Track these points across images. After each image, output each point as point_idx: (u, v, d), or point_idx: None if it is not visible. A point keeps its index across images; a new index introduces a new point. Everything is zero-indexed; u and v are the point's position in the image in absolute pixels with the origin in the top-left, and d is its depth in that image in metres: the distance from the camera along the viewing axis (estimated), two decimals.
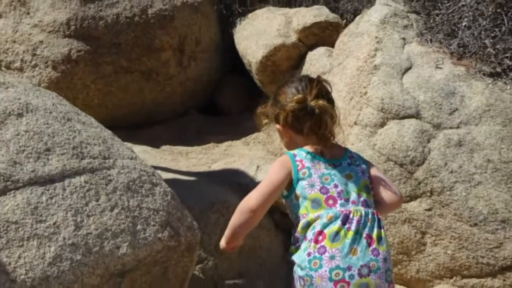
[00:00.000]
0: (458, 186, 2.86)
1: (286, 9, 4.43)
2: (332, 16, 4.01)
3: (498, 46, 3.15)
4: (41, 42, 4.01)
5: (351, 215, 1.71)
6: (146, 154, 3.75)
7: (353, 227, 1.69)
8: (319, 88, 1.81)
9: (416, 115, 3.00)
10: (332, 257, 1.65)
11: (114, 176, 2.14)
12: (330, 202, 1.74)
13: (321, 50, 3.92)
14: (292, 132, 1.86)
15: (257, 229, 2.79)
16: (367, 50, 3.28)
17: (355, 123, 3.10)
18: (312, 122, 1.79)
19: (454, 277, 2.90)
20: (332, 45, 3.86)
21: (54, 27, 3.98)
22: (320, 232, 1.69)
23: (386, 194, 1.87)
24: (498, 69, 3.13)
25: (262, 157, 3.80)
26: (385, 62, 3.17)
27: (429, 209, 2.90)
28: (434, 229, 2.89)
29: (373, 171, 1.89)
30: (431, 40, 3.33)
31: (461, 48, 3.25)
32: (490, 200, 2.82)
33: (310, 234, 1.71)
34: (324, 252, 1.66)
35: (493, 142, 2.90)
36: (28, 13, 4.05)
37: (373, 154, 2.96)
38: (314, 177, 1.77)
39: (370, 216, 1.73)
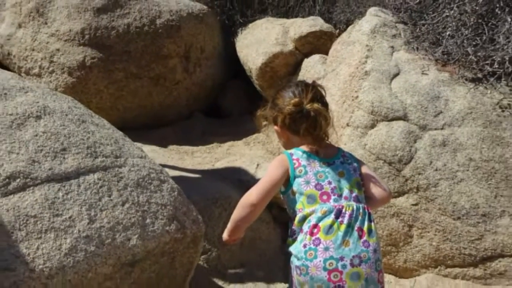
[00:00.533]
0: (442, 182, 2.86)
1: (283, 20, 4.43)
2: (326, 26, 4.00)
3: (479, 54, 3.14)
4: (58, 50, 4.01)
5: (343, 210, 1.71)
6: (155, 153, 3.75)
7: (346, 220, 1.69)
8: (314, 92, 1.81)
9: (404, 117, 3.00)
10: (326, 248, 1.65)
11: (125, 173, 2.14)
12: (324, 197, 1.74)
13: (316, 57, 3.92)
14: (289, 133, 1.86)
15: (257, 222, 2.80)
16: (359, 57, 3.28)
17: (347, 125, 3.10)
18: (308, 124, 1.79)
19: (439, 267, 2.90)
20: (326, 53, 3.86)
21: (69, 36, 3.98)
22: (315, 225, 1.69)
23: (376, 190, 1.87)
24: (479, 75, 3.13)
25: (262, 156, 3.80)
26: (375, 69, 3.17)
27: (416, 204, 2.90)
28: (420, 223, 2.89)
29: (364, 169, 1.89)
30: (417, 48, 3.33)
31: (445, 56, 3.25)
32: (472, 196, 2.82)
33: (306, 227, 1.71)
34: (319, 244, 1.66)
35: (474, 142, 2.90)
36: (46, 23, 4.05)
37: (364, 153, 2.96)
38: (309, 175, 1.77)
39: (361, 211, 1.73)
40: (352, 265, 1.64)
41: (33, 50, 4.08)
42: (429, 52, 3.28)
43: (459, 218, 2.82)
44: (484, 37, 3.19)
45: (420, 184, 2.88)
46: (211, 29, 4.53)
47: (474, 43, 3.21)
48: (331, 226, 1.68)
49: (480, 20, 3.27)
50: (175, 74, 4.31)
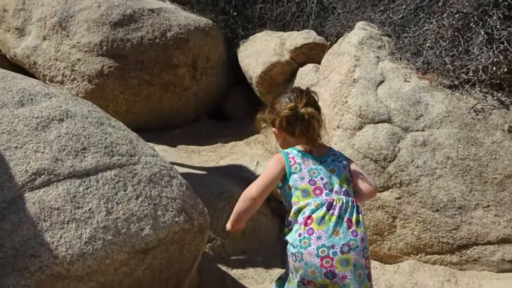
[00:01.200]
0: (422, 178, 2.86)
1: (280, 33, 4.44)
2: (319, 38, 4.01)
3: (455, 63, 3.15)
4: (79, 60, 4.01)
5: (334, 203, 1.71)
6: (165, 152, 3.75)
7: (336, 212, 1.69)
8: (308, 97, 1.81)
9: (388, 120, 3.00)
10: (318, 237, 1.65)
11: (139, 170, 2.14)
12: (317, 192, 1.74)
13: (309, 66, 3.92)
14: (285, 134, 1.86)
15: (257, 214, 2.79)
16: (348, 66, 3.28)
17: (338, 127, 3.10)
18: (302, 126, 1.79)
19: (420, 254, 2.90)
20: (319, 62, 3.86)
21: (89, 48, 3.98)
22: (309, 217, 1.69)
23: (363, 185, 1.87)
24: (456, 82, 3.13)
25: (261, 155, 3.80)
26: (363, 76, 3.17)
27: (399, 198, 2.90)
28: (403, 214, 2.89)
29: (353, 166, 1.89)
30: (400, 58, 3.33)
31: (425, 65, 3.25)
32: (449, 190, 2.82)
33: (300, 218, 1.71)
34: (312, 233, 1.66)
35: (451, 142, 2.90)
36: (68, 36, 4.05)
37: (352, 152, 2.96)
38: (304, 171, 1.77)
39: (350, 204, 1.73)
40: (342, 252, 1.64)
41: (56, 60, 4.08)
42: (411, 61, 3.28)
43: (437, 210, 2.82)
44: (460, 48, 3.19)
45: (402, 180, 2.88)
46: (216, 41, 4.54)
47: (451, 53, 3.21)
48: (323, 217, 1.68)
49: (456, 33, 3.27)
50: (184, 82, 4.31)
